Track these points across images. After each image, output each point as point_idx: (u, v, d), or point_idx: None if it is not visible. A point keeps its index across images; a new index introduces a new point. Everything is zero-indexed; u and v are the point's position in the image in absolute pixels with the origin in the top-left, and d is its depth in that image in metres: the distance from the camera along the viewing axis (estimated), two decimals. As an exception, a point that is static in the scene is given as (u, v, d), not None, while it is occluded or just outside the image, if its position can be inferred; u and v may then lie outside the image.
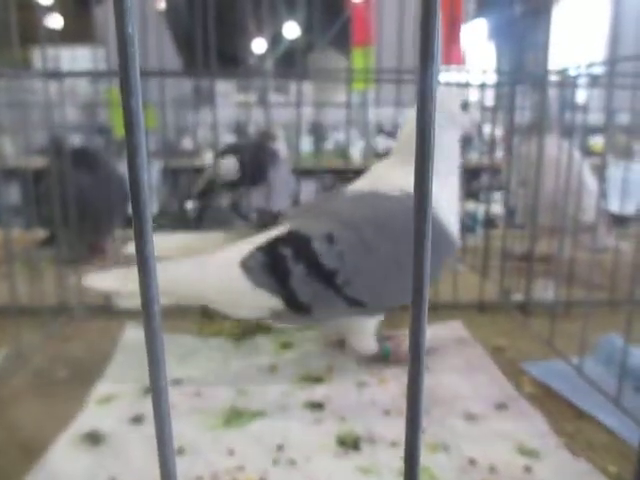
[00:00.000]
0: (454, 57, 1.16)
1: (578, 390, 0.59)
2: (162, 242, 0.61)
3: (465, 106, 0.66)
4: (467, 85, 0.89)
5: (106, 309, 0.80)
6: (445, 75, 0.91)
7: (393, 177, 0.62)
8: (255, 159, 1.03)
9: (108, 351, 0.68)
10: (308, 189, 1.23)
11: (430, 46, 0.18)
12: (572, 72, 0.75)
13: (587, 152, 1.56)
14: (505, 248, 0.87)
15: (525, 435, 0.51)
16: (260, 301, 0.56)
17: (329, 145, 3.20)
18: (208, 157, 1.26)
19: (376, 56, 0.90)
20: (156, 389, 0.21)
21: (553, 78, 0.82)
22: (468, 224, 1.38)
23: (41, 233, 1.10)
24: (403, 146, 0.65)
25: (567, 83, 0.79)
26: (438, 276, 0.65)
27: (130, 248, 0.59)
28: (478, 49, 3.77)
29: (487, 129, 0.90)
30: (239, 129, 2.35)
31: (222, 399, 0.58)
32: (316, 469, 0.46)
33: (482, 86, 0.88)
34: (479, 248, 0.95)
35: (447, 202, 0.63)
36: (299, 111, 0.88)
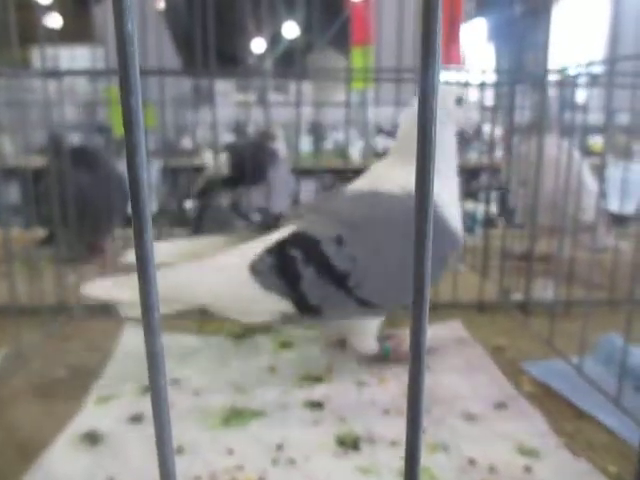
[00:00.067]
0: (453, 57, 1.16)
1: (578, 390, 0.59)
2: (162, 249, 0.60)
3: (459, 101, 0.66)
4: (467, 85, 0.89)
5: (105, 309, 0.80)
6: (445, 75, 0.90)
7: (394, 176, 0.62)
8: (254, 159, 1.03)
9: (107, 350, 0.68)
10: (307, 189, 1.23)
11: (432, 43, 0.18)
12: (572, 71, 0.75)
13: (587, 152, 1.56)
14: (505, 248, 0.87)
15: (525, 435, 0.51)
16: (269, 305, 0.56)
17: (328, 145, 3.20)
18: (207, 156, 1.26)
19: (375, 55, 0.90)
20: (155, 388, 0.20)
21: (553, 78, 0.82)
22: (467, 224, 1.38)
23: (40, 232, 1.10)
24: (402, 145, 0.65)
25: (567, 83, 0.79)
26: (441, 274, 0.64)
27: (130, 256, 0.59)
28: (477, 49, 3.77)
29: (487, 129, 0.90)
30: (238, 128, 2.35)
31: (221, 398, 0.58)
32: (315, 469, 0.46)
33: (482, 86, 0.88)
34: (479, 248, 0.95)
35: (449, 198, 0.63)
36: (298, 111, 0.88)
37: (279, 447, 0.49)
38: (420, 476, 0.22)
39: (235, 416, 0.55)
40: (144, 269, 0.19)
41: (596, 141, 2.08)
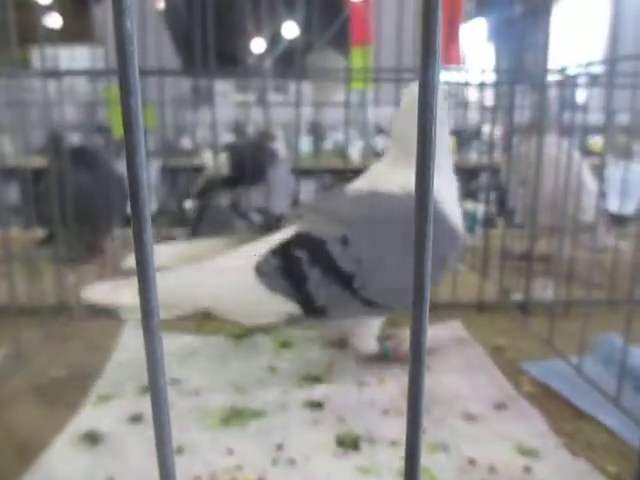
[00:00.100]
0: (453, 57, 1.16)
1: (578, 390, 0.59)
2: (162, 252, 0.60)
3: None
4: (466, 84, 0.89)
5: (105, 309, 0.80)
6: (444, 74, 0.90)
7: (393, 176, 0.62)
8: (254, 159, 1.03)
9: (107, 350, 0.68)
10: (307, 189, 1.22)
11: (432, 43, 0.18)
12: (571, 71, 0.75)
13: (586, 152, 1.56)
14: (505, 248, 0.87)
15: (524, 435, 0.51)
16: (275, 306, 0.55)
17: (328, 145, 3.20)
18: (207, 156, 1.26)
19: (375, 55, 0.90)
20: (155, 388, 0.20)
21: (553, 78, 0.82)
22: (467, 224, 1.38)
23: (40, 232, 1.10)
24: (398, 144, 0.65)
25: (567, 83, 0.79)
26: (443, 274, 0.64)
27: (130, 261, 0.58)
28: (477, 49, 3.77)
29: (486, 129, 0.90)
30: (238, 129, 2.35)
31: (221, 398, 0.58)
32: (315, 469, 0.46)
33: (481, 85, 0.88)
34: (478, 248, 0.95)
35: (449, 195, 0.63)
36: (298, 111, 0.88)
37: (279, 447, 0.49)
38: (420, 476, 0.22)
39: (235, 416, 0.55)
40: (143, 269, 0.19)
41: (596, 141, 2.08)
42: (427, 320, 0.20)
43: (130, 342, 0.71)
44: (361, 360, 0.66)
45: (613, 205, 1.10)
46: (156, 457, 0.21)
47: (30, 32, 0.74)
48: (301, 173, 1.05)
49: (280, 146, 1.20)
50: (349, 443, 0.50)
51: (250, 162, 0.99)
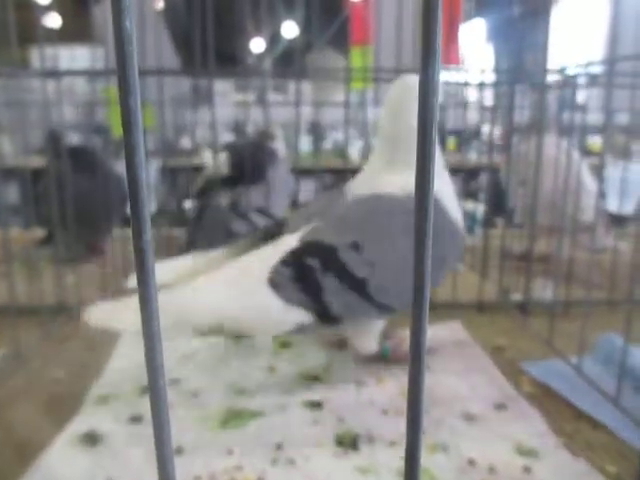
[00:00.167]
0: (452, 57, 1.16)
1: (577, 390, 0.59)
2: (163, 270, 0.57)
3: None
4: (466, 84, 0.89)
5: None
6: (444, 74, 0.90)
7: (392, 176, 0.62)
8: (254, 158, 1.03)
9: (107, 351, 0.68)
10: (307, 188, 1.22)
11: (432, 41, 0.18)
12: (571, 72, 0.75)
13: (586, 152, 1.56)
14: (504, 248, 0.87)
15: (524, 435, 0.51)
16: (290, 317, 0.54)
17: (328, 144, 3.20)
18: (206, 156, 1.26)
19: (374, 55, 0.90)
20: (154, 389, 0.20)
21: (552, 78, 0.82)
22: (467, 224, 1.38)
23: (39, 232, 1.10)
24: (389, 141, 0.64)
25: (566, 83, 0.79)
26: (444, 274, 0.64)
27: (132, 281, 0.55)
28: (477, 49, 3.77)
29: (486, 129, 0.90)
30: (237, 128, 2.35)
31: (220, 399, 0.58)
32: (315, 469, 0.46)
33: (481, 85, 0.88)
34: (478, 248, 0.95)
35: (449, 194, 0.63)
36: (298, 110, 0.88)
37: (278, 447, 0.49)
38: (420, 476, 0.22)
39: (234, 416, 0.55)
40: (143, 269, 0.19)
41: (595, 141, 2.08)
42: (427, 320, 0.20)
43: (130, 342, 0.70)
44: (360, 360, 0.66)
45: (612, 205, 1.11)
46: (156, 457, 0.21)
47: (29, 32, 0.74)
48: (301, 173, 1.05)
49: (280, 146, 1.20)
50: (348, 443, 0.50)
51: (250, 162, 0.99)
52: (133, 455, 0.48)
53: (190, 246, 0.93)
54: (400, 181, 0.60)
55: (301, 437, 0.51)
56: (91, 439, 0.50)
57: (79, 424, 0.53)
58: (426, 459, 0.47)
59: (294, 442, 0.50)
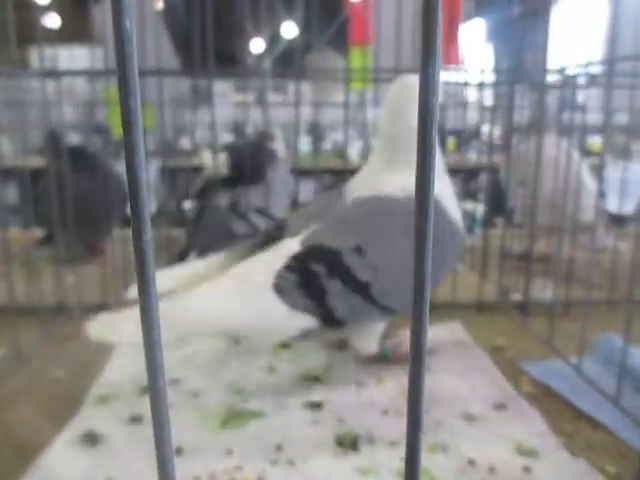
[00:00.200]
0: (452, 57, 1.16)
1: (577, 390, 0.59)
2: (165, 278, 0.56)
3: None
4: (465, 84, 0.89)
5: (104, 309, 0.80)
6: (443, 75, 0.90)
7: (391, 177, 0.61)
8: (253, 159, 1.03)
9: (106, 351, 0.68)
10: (306, 189, 1.23)
11: (432, 41, 0.18)
12: (571, 72, 0.75)
13: (585, 152, 1.56)
14: (504, 248, 0.87)
15: (524, 435, 0.51)
16: (296, 323, 0.54)
17: (327, 145, 3.21)
18: (206, 157, 1.26)
19: (374, 55, 0.90)
20: (154, 389, 0.20)
21: (552, 78, 0.82)
22: (467, 224, 1.38)
23: (39, 233, 1.10)
24: (388, 142, 0.64)
25: (566, 83, 0.79)
26: (444, 274, 0.64)
27: (133, 292, 0.55)
28: (476, 49, 3.77)
29: (486, 129, 0.90)
30: (237, 129, 2.35)
31: (220, 399, 0.58)
32: (314, 469, 0.46)
33: (480, 85, 0.88)
34: (478, 248, 0.95)
35: (448, 195, 0.63)
36: (297, 111, 0.88)
37: (278, 447, 0.49)
38: (420, 477, 0.22)
39: (234, 416, 0.55)
40: (143, 269, 0.19)
41: (595, 141, 2.08)
42: (427, 320, 0.20)
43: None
44: (360, 361, 0.66)
45: (612, 205, 1.11)
46: (156, 458, 0.21)
47: (29, 32, 0.74)
48: (300, 173, 1.05)
49: (279, 146, 1.20)
50: (348, 443, 0.50)
51: (249, 162, 0.99)
52: (133, 455, 0.48)
53: (190, 246, 0.93)
54: (400, 182, 0.60)
55: (301, 437, 0.51)
56: (91, 439, 0.50)
57: (79, 424, 0.53)
58: (426, 459, 0.47)
59: (294, 442, 0.50)
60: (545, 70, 0.81)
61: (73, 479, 0.45)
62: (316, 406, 0.57)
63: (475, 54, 3.72)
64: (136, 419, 0.54)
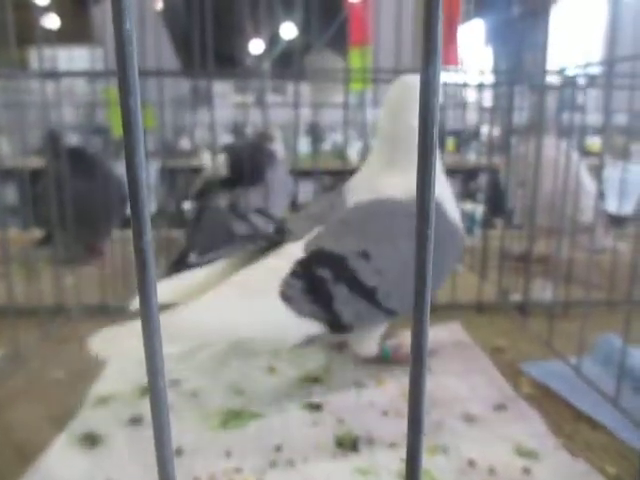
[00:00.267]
0: (451, 58, 1.16)
1: (577, 390, 0.59)
2: (166, 288, 0.55)
3: None
4: (465, 85, 0.89)
5: (103, 309, 0.80)
6: (443, 75, 0.90)
7: (392, 179, 0.61)
8: (252, 160, 1.03)
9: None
10: (306, 190, 1.23)
11: (433, 40, 0.18)
12: (570, 72, 0.75)
13: (585, 153, 1.56)
14: (503, 248, 0.87)
15: (524, 436, 0.51)
16: (303, 329, 0.53)
17: (327, 146, 3.21)
18: (206, 157, 1.26)
19: (373, 56, 0.90)
20: (154, 390, 0.20)
21: (551, 79, 0.82)
22: (466, 225, 1.38)
23: (38, 233, 1.10)
24: (388, 142, 0.64)
25: (566, 83, 0.79)
26: (445, 277, 0.64)
27: (135, 303, 0.54)
28: (475, 50, 3.77)
29: (485, 129, 0.90)
30: (237, 130, 2.35)
31: (220, 400, 0.58)
32: (314, 470, 0.46)
33: (480, 86, 0.88)
34: (477, 248, 0.95)
35: (448, 196, 0.63)
36: (297, 112, 0.88)
37: (278, 448, 0.49)
38: (421, 478, 0.22)
39: (234, 417, 0.55)
40: (143, 269, 0.19)
41: (594, 142, 2.08)
42: (428, 322, 0.20)
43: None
44: (359, 362, 0.66)
45: (611, 206, 1.11)
46: (156, 459, 0.21)
47: (28, 33, 0.74)
48: (300, 174, 1.05)
49: (279, 147, 1.20)
50: (348, 444, 0.50)
51: (249, 163, 0.99)
52: (133, 456, 0.48)
53: (190, 247, 0.93)
54: (401, 183, 0.60)
55: (301, 438, 0.51)
56: (91, 440, 0.50)
57: (78, 425, 0.53)
58: (426, 460, 0.47)
59: (294, 443, 0.50)
60: (544, 71, 0.81)
61: (72, 480, 0.45)
62: (316, 407, 0.57)
63: (474, 55, 3.72)
64: (136, 420, 0.54)
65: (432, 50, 0.18)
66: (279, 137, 1.22)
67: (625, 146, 1.58)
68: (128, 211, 0.19)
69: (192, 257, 0.88)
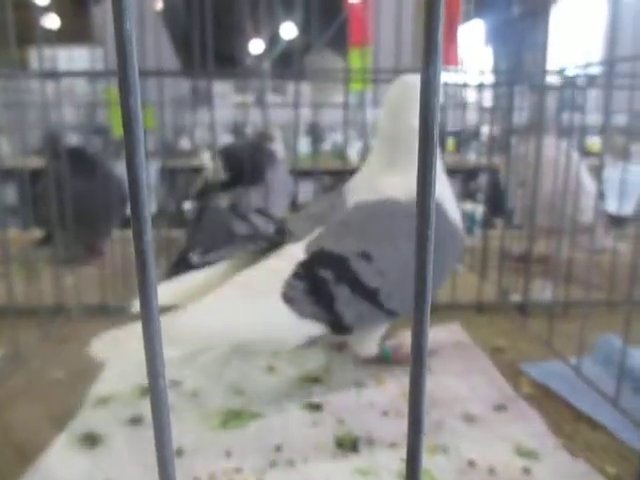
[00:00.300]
0: (451, 58, 1.16)
1: (576, 391, 0.59)
2: (166, 291, 0.55)
3: None
4: (465, 85, 0.89)
5: (103, 310, 0.80)
6: (443, 75, 0.90)
7: (392, 179, 0.61)
8: (252, 160, 1.03)
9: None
10: (306, 190, 1.23)
11: (434, 40, 0.18)
12: (570, 73, 0.75)
13: (585, 153, 1.56)
14: (503, 249, 0.87)
15: (524, 436, 0.51)
16: (305, 331, 0.53)
17: (327, 146, 3.21)
18: (206, 157, 1.26)
19: (373, 56, 0.90)
20: (155, 390, 0.20)
21: (551, 79, 0.82)
22: (466, 225, 1.38)
23: (38, 233, 1.10)
24: (388, 142, 0.64)
25: (566, 83, 0.79)
26: (445, 277, 0.64)
27: (136, 306, 0.54)
28: (475, 50, 3.77)
29: (485, 129, 0.90)
30: (237, 130, 2.35)
31: (220, 400, 0.58)
32: (314, 470, 0.46)
33: (480, 87, 0.88)
34: (477, 249, 0.95)
35: (448, 196, 0.63)
36: (297, 112, 0.88)
37: (278, 448, 0.49)
38: (422, 478, 0.22)
39: (234, 417, 0.54)
40: (143, 269, 0.19)
41: (594, 142, 2.08)
42: (428, 322, 0.20)
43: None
44: (359, 362, 0.66)
45: (611, 206, 1.11)
46: (156, 459, 0.21)
47: (28, 33, 0.74)
48: (300, 174, 1.05)
49: (279, 147, 1.20)
50: (348, 445, 0.50)
51: (249, 163, 0.99)
52: (132, 457, 0.48)
53: (191, 247, 0.93)
54: (401, 184, 0.60)
55: (301, 439, 0.51)
56: (90, 440, 0.50)
57: (78, 425, 0.53)
58: (426, 460, 0.47)
59: (294, 444, 0.50)
60: (544, 71, 0.81)
61: (72, 480, 0.45)
62: (316, 407, 0.57)
63: (474, 55, 3.72)
64: (136, 420, 0.54)
65: (433, 50, 0.18)
66: (279, 137, 1.22)
67: (625, 146, 1.58)
68: (128, 211, 0.19)
69: (195, 257, 0.87)
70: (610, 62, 0.62)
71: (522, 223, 1.07)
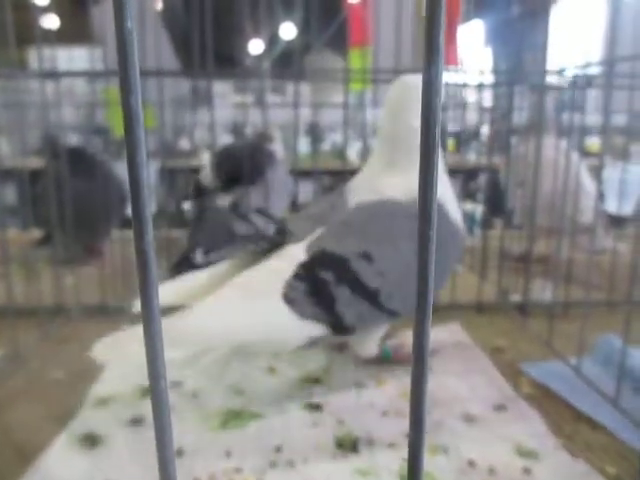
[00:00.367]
0: (451, 58, 1.16)
1: (576, 391, 0.58)
2: (167, 291, 0.55)
3: None
4: (465, 85, 0.89)
5: (103, 310, 0.80)
6: (443, 75, 0.90)
7: (393, 179, 0.61)
8: (252, 160, 1.03)
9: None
10: (306, 190, 1.22)
11: (435, 40, 0.18)
12: (570, 73, 0.75)
13: (584, 153, 1.56)
14: (503, 249, 0.87)
15: (524, 436, 0.51)
16: (306, 332, 0.53)
17: (326, 146, 3.21)
18: (205, 157, 1.26)
19: (373, 56, 0.90)
20: (156, 391, 0.20)
21: (551, 78, 0.82)
22: (466, 225, 1.39)
23: (37, 233, 1.10)
24: (389, 142, 0.64)
25: (566, 83, 0.79)
26: (446, 277, 0.64)
27: (137, 306, 0.54)
28: (475, 50, 3.77)
29: (485, 129, 0.90)
30: (236, 130, 2.35)
31: (220, 400, 0.58)
32: (314, 471, 0.46)
33: (479, 87, 0.88)
34: (477, 249, 0.95)
35: (450, 196, 0.63)
36: (296, 112, 0.88)
37: (278, 449, 0.49)
38: (423, 478, 0.22)
39: (234, 418, 0.54)
40: (144, 269, 0.19)
41: (594, 142, 2.08)
42: (430, 323, 0.20)
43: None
44: (360, 362, 0.66)
45: (611, 206, 1.11)
46: (157, 460, 0.21)
47: (27, 33, 0.73)
48: (299, 174, 1.05)
49: (278, 147, 1.20)
50: (348, 445, 0.50)
51: (248, 163, 0.99)
52: (133, 457, 0.48)
53: (191, 247, 0.93)
54: (402, 184, 0.60)
55: (301, 439, 0.51)
56: (90, 441, 0.50)
57: (78, 425, 0.52)
58: (427, 461, 0.47)
59: (294, 444, 0.50)
60: (544, 71, 0.81)
61: (72, 480, 0.45)
62: (316, 408, 0.57)
63: (474, 55, 3.72)
64: (136, 421, 0.54)
65: (434, 50, 0.18)
66: (279, 137, 1.22)
67: (625, 146, 1.58)
68: (128, 211, 0.19)
69: (198, 256, 0.87)
70: (610, 62, 0.62)
71: (522, 223, 1.07)
